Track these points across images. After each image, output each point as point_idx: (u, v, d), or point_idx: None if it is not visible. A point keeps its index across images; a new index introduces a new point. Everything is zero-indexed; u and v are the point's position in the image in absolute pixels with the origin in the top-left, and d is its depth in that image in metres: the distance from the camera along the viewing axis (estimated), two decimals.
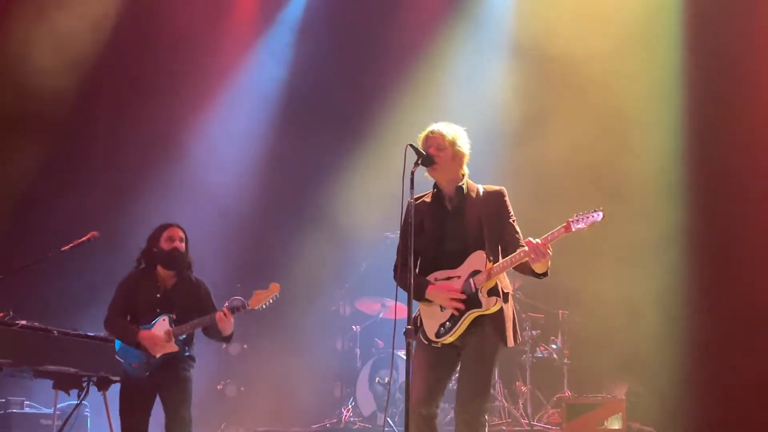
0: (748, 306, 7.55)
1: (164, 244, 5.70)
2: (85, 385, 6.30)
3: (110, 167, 8.73)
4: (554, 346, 7.78)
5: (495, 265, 4.42)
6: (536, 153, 8.17)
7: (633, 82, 8.04)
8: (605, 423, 6.22)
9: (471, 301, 4.41)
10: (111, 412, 6.34)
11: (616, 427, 6.17)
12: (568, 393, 7.40)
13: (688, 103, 8.03)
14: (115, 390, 6.38)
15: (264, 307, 5.65)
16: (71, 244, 5.32)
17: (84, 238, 5.35)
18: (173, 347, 5.58)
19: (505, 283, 4.51)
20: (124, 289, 5.74)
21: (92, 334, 6.41)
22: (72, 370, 6.26)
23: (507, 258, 4.39)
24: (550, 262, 4.35)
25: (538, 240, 4.29)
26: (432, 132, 4.59)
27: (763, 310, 7.47)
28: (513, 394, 7.65)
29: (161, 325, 5.61)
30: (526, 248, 4.32)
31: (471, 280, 4.42)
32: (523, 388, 7.56)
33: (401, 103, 8.56)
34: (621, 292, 7.86)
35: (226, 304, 5.63)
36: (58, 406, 6.45)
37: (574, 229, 4.30)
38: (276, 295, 5.64)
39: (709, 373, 7.58)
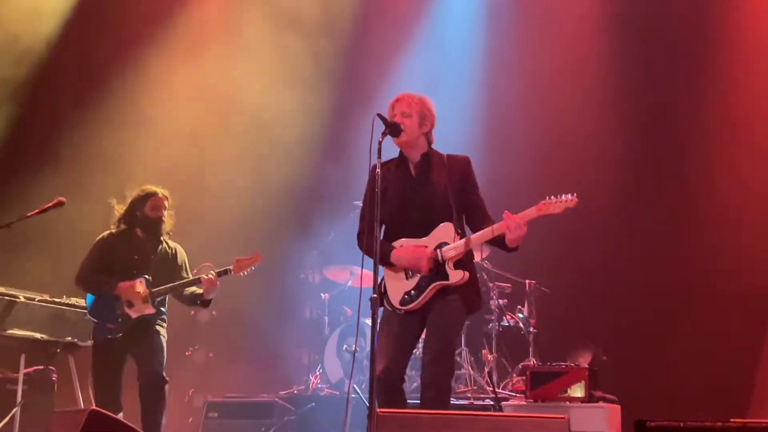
0: (707, 277, 7.68)
1: (149, 212, 5.71)
2: (52, 350, 6.36)
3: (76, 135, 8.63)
4: (521, 315, 7.86)
5: (472, 237, 4.47)
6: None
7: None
8: (568, 391, 6.30)
9: (437, 273, 4.46)
10: (78, 376, 6.38)
11: (579, 395, 6.24)
12: (533, 361, 7.50)
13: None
14: (81, 355, 6.43)
15: (245, 273, 5.75)
16: (37, 210, 5.28)
17: (50, 204, 5.32)
18: (150, 309, 5.62)
19: (471, 251, 4.57)
20: (101, 247, 5.73)
21: (59, 300, 6.44)
22: (38, 335, 6.29)
23: (484, 230, 4.44)
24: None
25: (518, 215, 4.35)
26: (398, 99, 4.63)
27: (721, 281, 7.61)
28: (479, 362, 7.74)
29: (137, 286, 5.62)
30: (499, 222, 4.38)
31: (438, 252, 4.47)
32: (489, 357, 7.64)
33: (361, 71, 8.58)
34: (587, 262, 7.98)
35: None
36: (24, 371, 6.43)
37: (547, 212, 4.34)
38: (258, 263, 5.75)
39: (670, 342, 7.73)
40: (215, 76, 8.71)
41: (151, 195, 5.75)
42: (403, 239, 4.57)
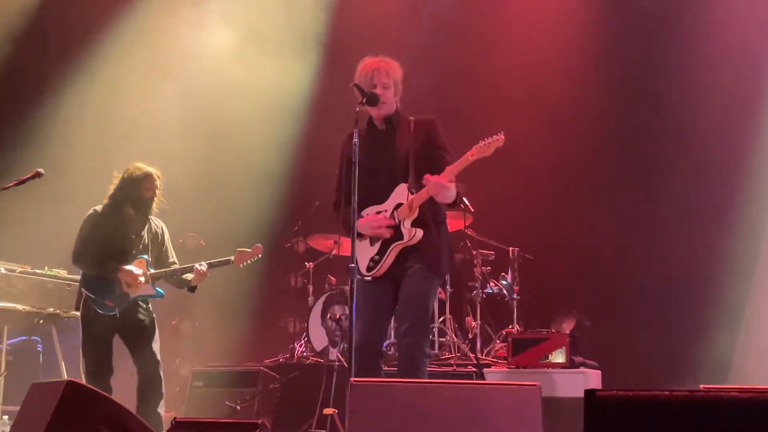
0: (692, 243, 7.71)
1: (145, 192, 5.70)
2: (34, 321, 6.39)
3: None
4: (504, 282, 7.89)
5: (413, 197, 4.53)
6: None
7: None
8: (549, 357, 6.36)
9: (395, 233, 4.53)
10: (61, 347, 6.41)
11: (560, 361, 6.31)
12: (516, 328, 7.54)
13: None
14: (64, 325, 6.45)
15: (244, 265, 5.90)
16: (15, 182, 5.25)
17: (28, 176, 5.29)
18: (150, 290, 5.65)
19: (436, 211, 4.62)
20: (98, 225, 5.67)
21: (40, 271, 6.46)
22: (20, 306, 6.31)
23: (421, 191, 4.50)
24: (459, 192, 4.56)
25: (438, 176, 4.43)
26: (377, 70, 4.63)
27: (705, 248, 7.64)
28: (463, 329, 7.79)
29: (138, 266, 5.63)
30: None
31: (395, 213, 4.54)
32: (473, 324, 7.69)
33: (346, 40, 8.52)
34: (570, 228, 8.01)
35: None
36: (9, 342, 6.47)
37: (479, 155, 4.42)
38: (258, 257, 5.88)
39: (653, 308, 7.78)
40: (192, 43, 8.65)
41: (146, 175, 5.72)
42: (368, 208, 4.64)
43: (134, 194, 5.67)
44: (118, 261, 5.60)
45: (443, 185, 4.39)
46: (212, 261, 5.79)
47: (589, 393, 2.02)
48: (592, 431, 1.94)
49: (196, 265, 5.70)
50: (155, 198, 5.75)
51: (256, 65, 8.53)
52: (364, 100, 4.55)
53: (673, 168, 7.88)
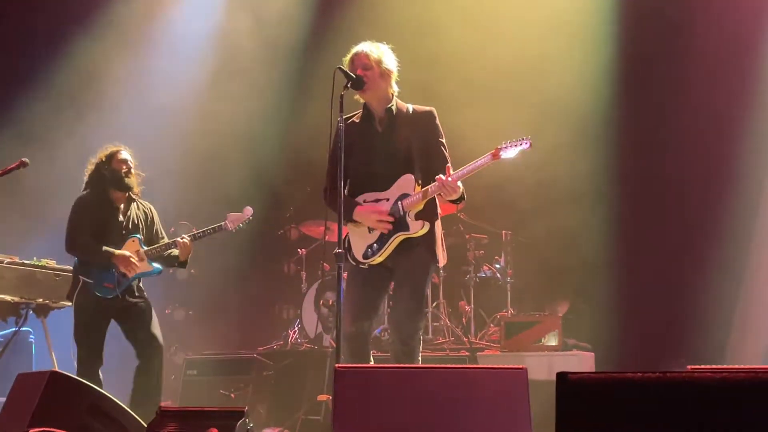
0: (686, 225, 7.69)
1: (116, 165, 5.65)
2: (23, 312, 6.36)
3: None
4: (498, 266, 7.87)
5: (424, 189, 4.48)
6: None
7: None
8: (542, 340, 6.36)
9: (398, 224, 4.49)
10: (51, 338, 6.39)
11: (553, 344, 6.31)
12: (510, 311, 7.53)
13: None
14: (53, 316, 6.43)
15: (236, 229, 5.78)
16: (0, 172, 5.21)
17: (13, 165, 5.25)
18: (147, 267, 5.62)
19: (436, 204, 4.58)
20: (86, 211, 5.62)
21: (29, 261, 6.43)
22: (9, 297, 6.28)
23: (426, 188, 4.46)
24: (464, 192, 4.46)
25: (452, 175, 4.37)
26: (356, 54, 4.60)
27: (699, 229, 7.61)
28: (456, 314, 7.77)
29: (131, 246, 5.60)
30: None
31: (399, 204, 4.48)
32: (467, 308, 7.68)
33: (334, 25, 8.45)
34: (563, 210, 7.97)
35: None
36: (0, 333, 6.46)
37: (502, 157, 4.35)
38: (249, 218, 5.77)
39: (648, 289, 7.75)
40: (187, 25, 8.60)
41: (114, 152, 5.69)
42: (367, 193, 4.56)
43: (110, 172, 5.63)
44: (109, 245, 5.55)
45: (456, 188, 4.36)
46: (205, 229, 5.72)
47: (561, 375, 2.00)
48: (563, 414, 1.92)
49: (178, 239, 5.67)
50: (132, 170, 5.69)
51: (247, 49, 8.48)
52: (348, 84, 4.50)
53: (666, 148, 7.82)
